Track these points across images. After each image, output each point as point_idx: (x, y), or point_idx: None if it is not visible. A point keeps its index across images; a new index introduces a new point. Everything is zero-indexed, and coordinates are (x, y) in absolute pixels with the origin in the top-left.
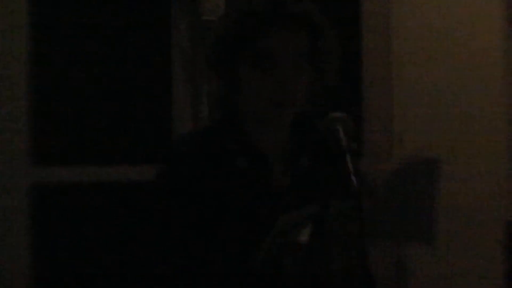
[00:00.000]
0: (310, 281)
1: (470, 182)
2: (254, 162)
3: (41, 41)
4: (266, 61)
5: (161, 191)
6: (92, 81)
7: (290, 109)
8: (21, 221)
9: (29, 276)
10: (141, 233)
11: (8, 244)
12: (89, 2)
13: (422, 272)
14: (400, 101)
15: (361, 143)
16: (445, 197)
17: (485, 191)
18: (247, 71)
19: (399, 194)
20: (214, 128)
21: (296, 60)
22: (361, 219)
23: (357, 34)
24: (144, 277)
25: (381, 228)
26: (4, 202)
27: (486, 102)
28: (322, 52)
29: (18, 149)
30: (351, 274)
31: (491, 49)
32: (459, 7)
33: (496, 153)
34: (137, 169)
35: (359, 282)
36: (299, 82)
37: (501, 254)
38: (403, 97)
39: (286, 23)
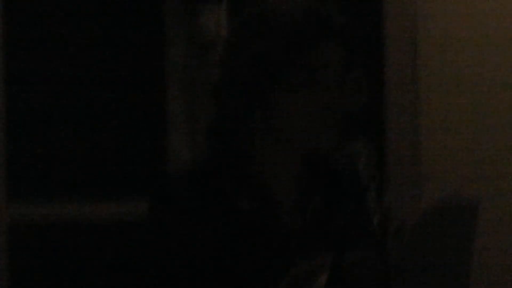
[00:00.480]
0: None
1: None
2: (259, 201)
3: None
4: (314, 79)
5: (156, 236)
6: (78, 106)
7: (326, 136)
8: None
9: None
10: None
11: None
12: (77, 14)
13: None
14: (428, 129)
15: (384, 178)
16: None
17: None
18: (287, 92)
19: (429, 242)
20: (212, 162)
21: (340, 80)
22: (385, 268)
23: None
24: None
25: (409, 279)
26: None
27: None
28: (355, 69)
29: None
30: None
31: None
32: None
33: None
34: (127, 207)
35: None
36: (344, 105)
37: None
38: (433, 126)
39: (327, 36)
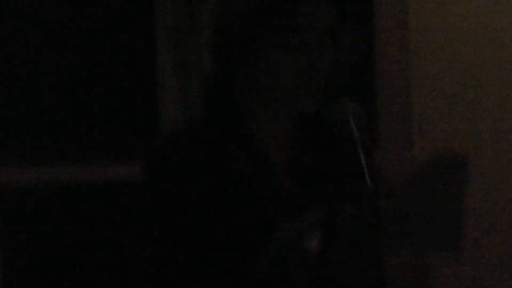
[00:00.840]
0: None
1: (497, 179)
2: (252, 161)
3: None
4: (295, 40)
5: (151, 196)
6: (66, 66)
7: (315, 99)
8: None
9: None
10: (130, 238)
11: None
12: None
13: (446, 284)
14: (419, 88)
15: (376, 136)
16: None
17: None
18: (271, 52)
19: (422, 196)
20: (207, 122)
21: (325, 40)
22: (377, 224)
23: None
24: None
25: (401, 235)
26: None
27: None
28: (347, 28)
29: None
30: (366, 284)
31: None
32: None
33: None
34: (119, 168)
35: None
36: (326, 65)
37: None
38: (423, 83)
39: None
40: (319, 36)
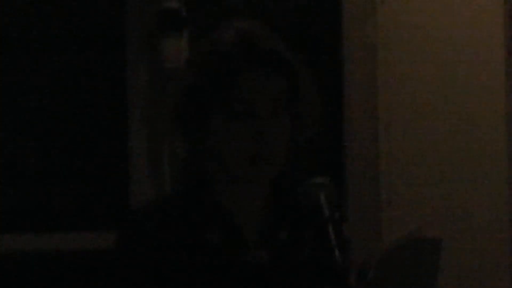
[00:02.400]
0: None
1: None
2: (227, 235)
3: None
4: (241, 108)
5: (123, 267)
6: (38, 136)
7: (269, 165)
8: None
9: None
10: None
11: None
12: (42, 39)
13: None
14: (387, 157)
15: (345, 210)
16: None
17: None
18: (221, 122)
19: (391, 277)
20: (179, 196)
21: (274, 106)
22: None
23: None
24: None
25: None
26: None
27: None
28: (299, 98)
29: None
30: None
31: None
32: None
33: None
34: (89, 236)
35: None
36: (279, 132)
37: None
38: (391, 156)
39: (260, 67)
40: (269, 105)
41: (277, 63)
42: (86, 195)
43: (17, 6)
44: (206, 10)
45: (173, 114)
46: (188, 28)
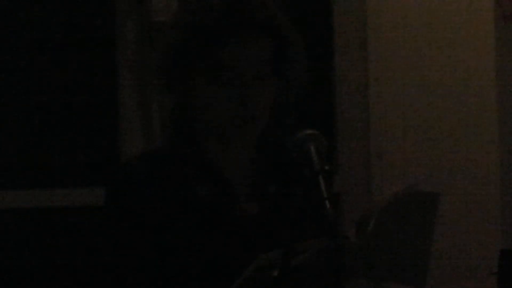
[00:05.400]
0: None
1: (460, 208)
2: (216, 188)
3: None
4: (227, 73)
5: (113, 222)
6: (27, 92)
7: (254, 126)
8: None
9: None
10: (89, 263)
11: None
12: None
13: None
14: (378, 112)
15: (335, 162)
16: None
17: (476, 218)
18: (205, 84)
19: (390, 230)
20: (168, 150)
21: (259, 70)
22: (338, 254)
23: (330, 38)
24: None
25: (365, 266)
26: None
27: (477, 110)
28: (287, 61)
29: None
30: None
31: (481, 52)
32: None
33: (488, 175)
34: (79, 192)
35: None
36: (263, 95)
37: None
38: (381, 107)
39: (248, 31)
40: (255, 70)
41: (265, 27)
42: (76, 151)
43: None
44: None
45: (159, 71)
46: None
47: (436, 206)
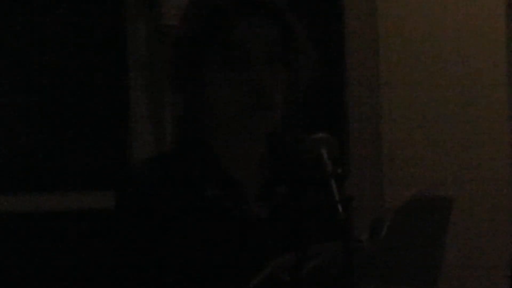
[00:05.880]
0: None
1: (472, 212)
2: (225, 190)
3: None
4: (237, 54)
5: (124, 226)
6: (40, 95)
7: (266, 116)
8: None
9: None
10: (100, 265)
11: None
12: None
13: None
14: (389, 116)
15: (347, 166)
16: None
17: (488, 222)
18: (216, 71)
19: (403, 234)
20: (179, 151)
21: (270, 52)
22: (349, 257)
23: (341, 40)
24: None
25: (378, 271)
26: None
27: (488, 113)
28: (294, 52)
29: None
30: None
31: (491, 41)
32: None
33: (499, 178)
34: (92, 196)
35: None
36: (274, 81)
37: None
38: (393, 110)
39: (257, 12)
40: (264, 53)
41: (271, 12)
42: (86, 154)
43: None
44: None
45: (169, 70)
46: None
47: (449, 211)
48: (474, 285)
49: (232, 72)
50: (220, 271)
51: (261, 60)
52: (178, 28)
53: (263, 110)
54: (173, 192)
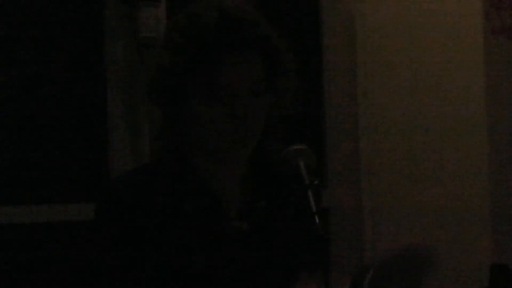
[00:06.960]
0: None
1: (450, 223)
2: (203, 204)
3: None
4: (221, 91)
5: (101, 238)
6: (18, 109)
7: (246, 146)
8: None
9: None
10: (78, 277)
11: None
12: (17, 11)
13: None
14: (367, 126)
15: (323, 177)
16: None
17: (467, 233)
18: (198, 102)
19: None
20: (158, 165)
21: (254, 88)
22: (326, 268)
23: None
24: None
25: None
26: None
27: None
28: (278, 76)
29: None
30: None
31: (470, 60)
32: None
33: (478, 190)
34: (71, 208)
35: None
36: (258, 113)
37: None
38: (371, 121)
39: (241, 48)
40: (249, 88)
41: (258, 44)
42: (65, 167)
43: None
44: None
45: (150, 90)
46: None
47: (432, 261)
48: (454, 284)
49: (215, 107)
50: (199, 283)
51: (245, 95)
52: (160, 53)
53: (243, 143)
54: (151, 205)
